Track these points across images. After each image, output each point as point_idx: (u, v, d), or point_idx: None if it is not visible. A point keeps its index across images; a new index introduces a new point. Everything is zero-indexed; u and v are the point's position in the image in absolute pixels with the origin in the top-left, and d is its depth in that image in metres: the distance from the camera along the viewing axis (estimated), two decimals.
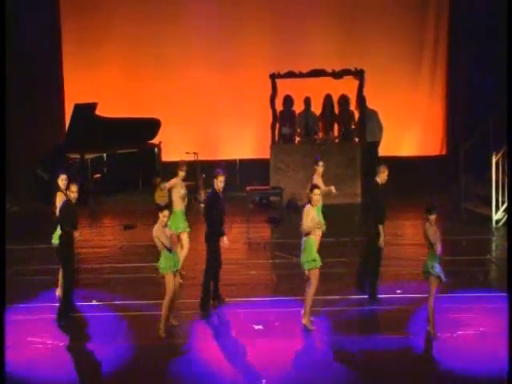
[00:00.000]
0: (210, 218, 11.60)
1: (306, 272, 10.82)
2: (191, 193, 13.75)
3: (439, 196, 15.03)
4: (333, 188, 12.47)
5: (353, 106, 18.10)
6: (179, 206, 12.67)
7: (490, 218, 15.80)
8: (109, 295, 12.32)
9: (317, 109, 18.29)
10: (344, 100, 18.12)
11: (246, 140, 19.48)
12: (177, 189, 12.71)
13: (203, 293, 11.65)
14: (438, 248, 10.42)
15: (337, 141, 18.21)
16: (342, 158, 17.44)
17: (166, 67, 19.45)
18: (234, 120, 19.47)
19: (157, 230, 10.67)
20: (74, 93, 19.16)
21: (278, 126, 18.04)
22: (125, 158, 18.38)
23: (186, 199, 12.78)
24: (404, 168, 17.59)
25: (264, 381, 9.42)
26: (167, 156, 18.35)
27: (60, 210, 11.41)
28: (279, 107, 18.09)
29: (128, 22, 19.42)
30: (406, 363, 9.95)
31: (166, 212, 10.73)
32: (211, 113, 19.41)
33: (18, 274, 13.34)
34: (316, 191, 10.99)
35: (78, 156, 17.65)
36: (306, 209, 10.91)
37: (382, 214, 11.75)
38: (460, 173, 16.84)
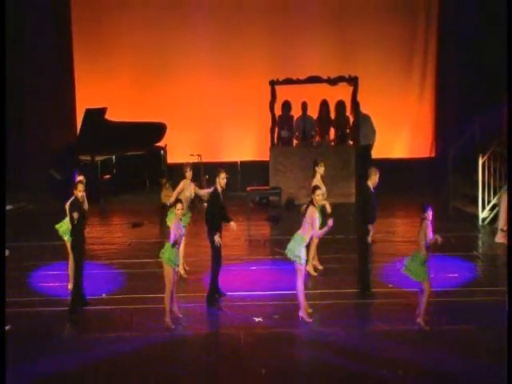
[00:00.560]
0: (211, 214, 11.65)
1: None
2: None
3: (429, 196, 15.02)
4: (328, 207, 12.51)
5: (348, 111, 18.10)
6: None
7: (477, 216, 15.83)
8: (118, 289, 12.35)
9: (313, 113, 18.30)
10: (340, 105, 18.14)
11: (246, 143, 19.51)
12: (183, 191, 12.80)
13: (211, 287, 11.67)
14: (422, 252, 10.46)
15: (332, 144, 18.23)
16: (338, 159, 17.45)
17: (172, 75, 19.45)
18: (236, 124, 19.50)
19: (172, 222, 10.83)
20: (85, 98, 19.17)
21: (277, 129, 18.05)
22: (133, 159, 18.40)
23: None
24: (396, 169, 17.60)
25: (264, 370, 9.44)
26: (172, 158, 18.37)
27: (69, 207, 11.48)
28: (278, 112, 18.10)
29: (137, 32, 19.43)
30: (399, 353, 9.97)
31: (179, 205, 10.83)
32: (214, 117, 19.43)
33: (33, 269, 13.34)
34: (317, 192, 11.07)
35: (88, 158, 17.67)
36: (310, 212, 10.90)
37: (372, 214, 11.81)
38: (448, 174, 16.86)
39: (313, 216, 10.86)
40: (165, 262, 10.69)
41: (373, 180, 11.80)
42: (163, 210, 14.14)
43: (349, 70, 17.81)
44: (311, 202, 10.97)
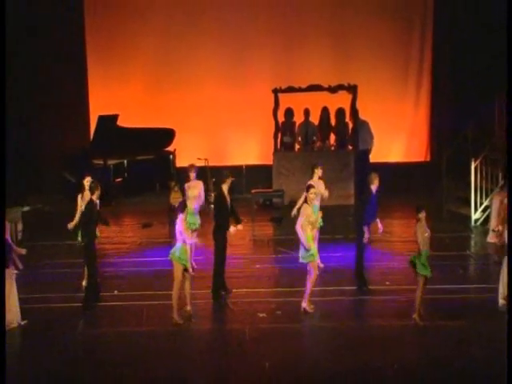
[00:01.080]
0: (217, 215, 11.74)
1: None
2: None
3: (424, 198, 15.00)
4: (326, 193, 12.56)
5: (347, 118, 18.11)
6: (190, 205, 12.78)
7: (470, 217, 15.82)
8: (129, 286, 12.37)
9: (315, 120, 18.31)
10: (340, 112, 18.15)
11: (251, 147, 19.52)
12: (189, 190, 12.84)
13: (214, 284, 11.69)
14: (421, 248, 10.48)
15: (332, 148, 18.22)
16: (338, 163, 17.44)
17: (181, 83, 19.49)
18: (241, 130, 19.51)
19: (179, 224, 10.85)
20: (99, 105, 19.20)
21: (280, 135, 18.05)
22: (143, 163, 18.42)
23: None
24: (392, 173, 17.57)
25: (267, 363, 9.44)
26: (181, 162, 18.36)
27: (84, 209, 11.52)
28: (281, 118, 18.10)
29: (148, 42, 19.49)
30: (395, 347, 9.98)
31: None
32: (220, 123, 19.46)
33: (48, 267, 13.36)
34: (312, 190, 11.06)
35: (101, 162, 17.69)
36: (302, 207, 10.97)
37: (371, 216, 11.84)
38: (443, 177, 16.85)
39: (305, 213, 10.87)
40: (175, 260, 10.70)
41: (375, 184, 11.86)
42: (172, 211, 14.16)
43: (348, 78, 17.83)
44: (305, 201, 10.98)
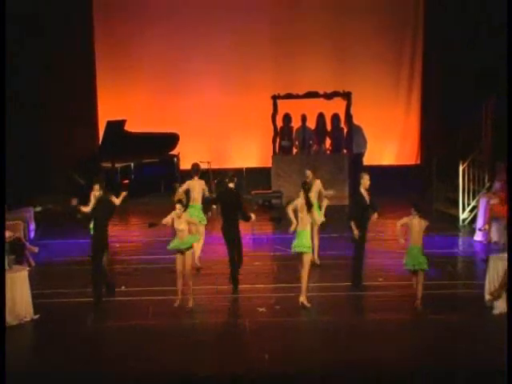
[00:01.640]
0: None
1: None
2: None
3: (415, 199, 14.98)
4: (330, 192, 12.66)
5: (342, 123, 18.11)
6: (196, 201, 12.95)
7: (458, 217, 15.83)
8: (136, 282, 12.38)
9: (311, 125, 18.31)
10: (335, 118, 18.16)
11: (251, 151, 19.51)
12: (191, 189, 13.02)
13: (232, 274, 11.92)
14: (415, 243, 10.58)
15: (328, 152, 18.23)
16: (333, 166, 17.45)
17: (185, 90, 19.48)
18: (241, 134, 19.51)
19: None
20: (107, 110, 19.21)
21: (278, 139, 18.06)
22: (149, 166, 18.42)
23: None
24: (385, 175, 17.55)
25: (266, 355, 9.45)
26: (185, 165, 18.35)
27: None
28: (280, 123, 18.11)
29: (154, 52, 19.47)
30: (389, 339, 9.99)
31: (178, 205, 11.22)
32: (222, 128, 19.45)
33: (60, 264, 13.37)
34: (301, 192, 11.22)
35: (109, 164, 17.69)
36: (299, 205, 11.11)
37: (361, 215, 11.84)
38: (432, 179, 16.87)
39: (296, 200, 11.10)
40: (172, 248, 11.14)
41: (364, 184, 11.84)
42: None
43: (343, 85, 17.85)
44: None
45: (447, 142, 16.96)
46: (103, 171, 17.10)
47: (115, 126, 18.03)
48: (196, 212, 12.86)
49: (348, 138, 17.92)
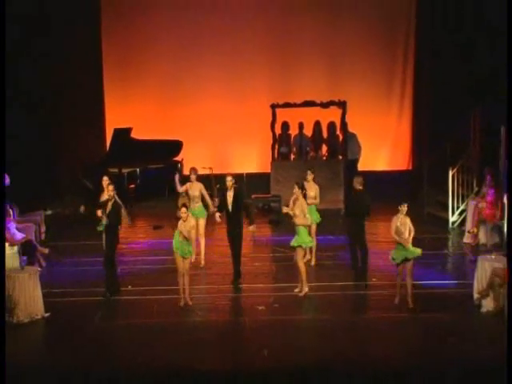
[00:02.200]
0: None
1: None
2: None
3: (406, 203, 15.03)
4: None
5: (337, 130, 18.11)
6: (192, 205, 13.16)
7: (448, 220, 15.83)
8: (141, 282, 12.38)
9: (308, 132, 18.32)
10: (331, 126, 18.16)
11: (251, 157, 19.52)
12: (190, 189, 13.31)
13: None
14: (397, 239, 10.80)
15: (324, 158, 18.23)
16: (329, 171, 17.41)
17: (189, 99, 19.49)
18: (242, 141, 19.52)
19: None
20: (114, 118, 19.23)
21: (277, 146, 18.04)
22: (154, 171, 18.41)
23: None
24: (378, 180, 17.53)
25: (266, 351, 9.45)
26: (188, 170, 18.32)
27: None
28: (278, 131, 18.09)
29: (159, 63, 19.49)
30: (381, 337, 10.00)
31: (183, 209, 11.25)
32: (224, 135, 19.47)
33: (69, 264, 13.38)
34: (295, 188, 11.59)
35: (116, 170, 17.67)
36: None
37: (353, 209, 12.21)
38: (423, 183, 16.88)
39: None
40: (174, 250, 11.20)
41: (356, 185, 12.14)
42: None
43: (338, 95, 17.83)
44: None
45: (437, 149, 16.94)
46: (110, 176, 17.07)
47: (122, 134, 18.05)
48: (196, 210, 13.05)
49: (343, 145, 17.91)
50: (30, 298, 10.65)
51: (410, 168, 20.00)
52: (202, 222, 13.24)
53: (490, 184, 13.98)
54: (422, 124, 19.63)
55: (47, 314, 10.85)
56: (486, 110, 15.48)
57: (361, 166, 18.28)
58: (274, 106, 17.77)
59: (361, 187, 12.21)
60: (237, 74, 19.52)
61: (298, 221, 11.35)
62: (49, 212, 16.41)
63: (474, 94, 16.86)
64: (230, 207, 12.10)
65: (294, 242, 11.40)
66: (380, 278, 12.22)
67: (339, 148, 18.09)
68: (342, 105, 17.64)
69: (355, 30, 19.54)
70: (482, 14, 17.15)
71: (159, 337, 10.07)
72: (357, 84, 19.41)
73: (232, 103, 19.50)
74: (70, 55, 18.51)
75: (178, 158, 19.02)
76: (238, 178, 15.23)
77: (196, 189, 13.34)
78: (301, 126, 18.19)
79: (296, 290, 11.53)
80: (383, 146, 19.90)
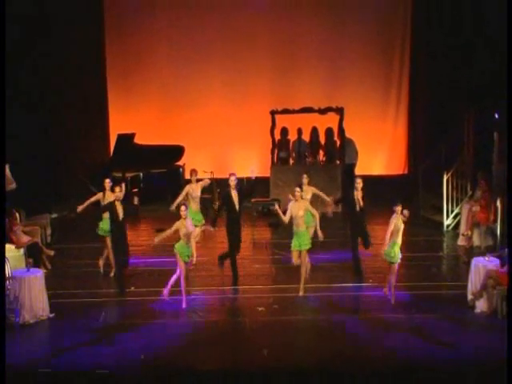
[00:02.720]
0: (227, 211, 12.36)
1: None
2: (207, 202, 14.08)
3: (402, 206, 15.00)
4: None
5: (335, 136, 18.12)
6: (192, 205, 13.38)
7: (442, 223, 15.82)
8: (144, 283, 12.37)
9: (307, 138, 18.32)
10: (329, 131, 18.17)
11: (251, 162, 19.49)
12: (191, 190, 13.50)
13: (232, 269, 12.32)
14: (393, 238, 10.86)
15: (322, 163, 18.23)
16: (327, 176, 17.40)
17: (190, 105, 19.52)
18: (242, 146, 19.53)
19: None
20: (118, 124, 19.23)
21: (276, 151, 18.06)
22: (157, 176, 18.40)
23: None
24: (375, 184, 17.49)
25: (266, 351, 9.44)
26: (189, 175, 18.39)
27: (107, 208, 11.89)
28: (277, 136, 18.10)
29: (161, 70, 19.53)
30: (381, 335, 10.00)
31: (182, 207, 11.38)
32: (224, 140, 19.49)
33: (74, 266, 13.37)
34: (297, 189, 11.67)
35: (120, 174, 17.67)
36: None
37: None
38: (419, 187, 16.87)
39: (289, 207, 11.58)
40: (178, 255, 11.22)
41: (356, 187, 12.32)
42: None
43: (336, 101, 17.85)
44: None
45: (432, 154, 16.95)
46: (114, 181, 17.07)
47: (125, 139, 18.05)
48: (194, 215, 13.07)
49: (341, 150, 17.91)
50: (35, 299, 10.64)
51: (406, 172, 20.01)
52: (199, 230, 13.32)
53: (484, 188, 14.00)
54: (418, 129, 19.65)
55: (52, 315, 10.84)
56: (480, 115, 15.47)
57: (358, 171, 18.26)
58: (273, 112, 17.78)
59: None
60: (237, 81, 19.55)
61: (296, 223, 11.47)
62: (54, 215, 16.39)
63: (469, 100, 16.85)
64: (237, 206, 12.19)
65: (294, 246, 11.50)
66: (377, 280, 12.21)
67: (336, 153, 18.10)
68: (339, 111, 17.66)
69: (352, 38, 19.59)
70: (478, 19, 17.13)
71: (160, 337, 10.05)
72: (354, 91, 19.45)
73: (232, 109, 19.53)
74: (70, 55, 18.49)
75: (179, 163, 19.03)
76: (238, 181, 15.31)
77: (196, 189, 13.54)
78: (299, 131, 18.20)
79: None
80: (379, 150, 19.92)
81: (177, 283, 11.28)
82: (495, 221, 13.35)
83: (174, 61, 19.59)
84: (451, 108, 17.78)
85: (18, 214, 13.27)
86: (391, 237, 10.97)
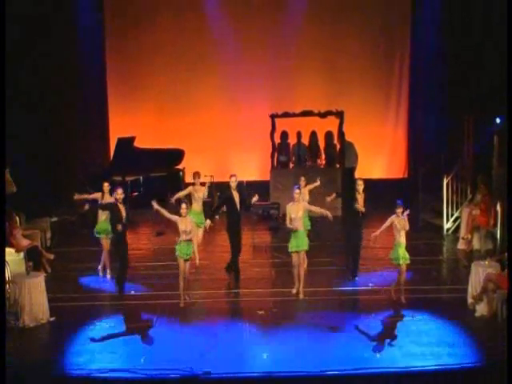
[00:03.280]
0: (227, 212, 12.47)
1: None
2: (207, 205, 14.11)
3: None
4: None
5: (335, 139, 18.15)
6: (195, 206, 13.67)
7: (442, 226, 15.83)
8: (144, 287, 12.38)
9: (306, 141, 18.35)
10: (328, 135, 18.20)
11: (251, 165, 19.53)
12: (194, 192, 13.77)
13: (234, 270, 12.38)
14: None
15: (322, 166, 18.25)
16: (326, 179, 17.36)
17: (190, 109, 19.54)
18: (242, 150, 19.54)
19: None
20: (118, 128, 19.25)
21: (276, 154, 18.09)
22: (157, 179, 18.39)
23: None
24: (375, 188, 17.47)
25: (265, 355, 9.44)
26: (190, 178, 18.26)
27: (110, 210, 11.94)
28: (277, 140, 18.15)
29: (161, 75, 19.54)
30: (381, 337, 10.00)
31: (183, 205, 11.49)
32: (224, 144, 19.51)
33: (75, 270, 13.37)
34: (296, 190, 11.71)
35: (120, 178, 17.68)
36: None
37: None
38: (419, 191, 16.89)
39: (287, 210, 11.62)
40: (177, 253, 11.37)
41: (358, 189, 12.44)
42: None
43: (336, 105, 17.88)
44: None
45: (432, 157, 16.97)
46: (115, 184, 17.09)
47: (125, 143, 18.05)
48: (196, 216, 13.15)
49: (340, 154, 17.94)
50: (35, 302, 10.65)
51: (406, 176, 20.02)
52: (201, 232, 13.46)
53: (484, 192, 14.02)
54: (418, 133, 19.67)
55: (52, 319, 10.84)
56: (479, 118, 15.50)
57: (358, 174, 18.22)
58: (273, 116, 17.82)
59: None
60: (237, 85, 19.57)
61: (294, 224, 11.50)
62: (54, 219, 16.40)
63: (469, 104, 16.88)
64: (238, 206, 12.27)
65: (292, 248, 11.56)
66: (376, 283, 12.22)
67: (336, 156, 18.12)
68: (339, 114, 17.69)
69: (352, 42, 19.60)
70: (479, 22, 17.14)
71: (160, 340, 10.05)
72: (354, 95, 19.46)
73: (232, 113, 19.55)
74: (70, 55, 18.51)
75: (179, 167, 19.03)
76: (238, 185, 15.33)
77: (199, 191, 13.80)
78: (299, 135, 18.23)
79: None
80: (380, 154, 19.93)
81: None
82: (495, 225, 13.35)
83: (174, 64, 19.60)
84: (451, 112, 17.80)
85: (17, 218, 13.28)
86: (394, 239, 11.09)
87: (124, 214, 11.80)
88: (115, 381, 9.00)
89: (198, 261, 11.45)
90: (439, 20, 18.61)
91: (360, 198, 12.31)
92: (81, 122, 18.90)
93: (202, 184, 14.04)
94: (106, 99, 19.57)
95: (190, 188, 13.86)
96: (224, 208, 12.72)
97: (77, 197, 12.79)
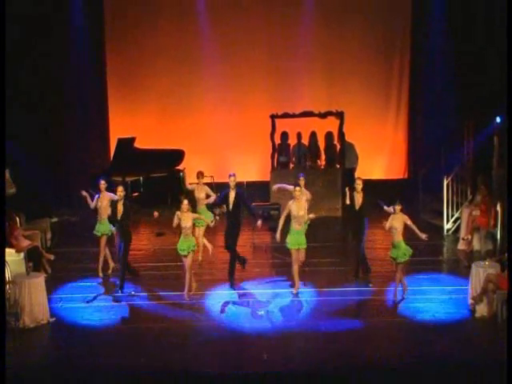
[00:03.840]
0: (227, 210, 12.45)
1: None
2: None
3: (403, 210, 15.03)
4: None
5: (335, 140, 18.15)
6: (199, 205, 13.74)
7: (442, 227, 15.83)
8: (144, 287, 12.38)
9: (306, 142, 18.35)
10: (329, 135, 18.19)
11: (251, 166, 19.51)
12: (197, 191, 13.91)
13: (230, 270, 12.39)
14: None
15: (322, 167, 18.25)
16: (326, 180, 17.43)
17: (190, 109, 19.53)
18: (242, 150, 19.53)
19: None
20: (118, 129, 19.24)
21: (276, 155, 18.08)
22: (157, 180, 18.37)
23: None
24: (375, 188, 17.46)
25: (266, 355, 9.45)
26: (190, 179, 18.29)
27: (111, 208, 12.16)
28: (277, 141, 18.13)
29: (161, 75, 19.50)
30: (382, 339, 10.01)
31: (185, 201, 11.72)
32: (224, 145, 19.49)
33: (74, 270, 13.38)
34: (297, 188, 11.75)
35: (120, 178, 17.66)
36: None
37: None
38: (419, 192, 16.88)
39: (288, 207, 11.73)
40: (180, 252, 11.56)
41: (357, 188, 12.55)
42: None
43: (336, 105, 17.88)
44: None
45: (432, 158, 16.96)
46: (115, 184, 17.11)
47: (125, 143, 18.04)
48: (204, 213, 13.24)
49: (340, 154, 17.93)
50: (35, 303, 10.66)
51: (406, 176, 20.01)
52: (203, 229, 13.50)
53: (484, 192, 14.02)
54: (418, 134, 19.66)
55: (52, 319, 10.85)
56: (479, 119, 15.51)
57: (358, 175, 18.23)
58: (273, 117, 17.81)
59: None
60: (237, 86, 19.56)
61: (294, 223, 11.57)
62: (55, 219, 16.41)
63: (469, 105, 16.88)
64: (230, 206, 12.22)
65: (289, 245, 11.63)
66: (377, 284, 12.22)
67: (336, 157, 18.12)
68: (339, 115, 17.68)
69: (352, 42, 19.58)
70: (479, 28, 17.16)
71: (159, 340, 10.06)
72: (354, 95, 19.44)
73: (233, 114, 19.54)
74: (70, 55, 18.50)
75: (180, 167, 19.03)
76: (238, 186, 15.34)
77: (202, 191, 13.88)
78: (299, 135, 18.22)
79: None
80: (380, 155, 19.92)
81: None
82: (495, 225, 13.36)
83: (175, 66, 19.58)
84: (451, 113, 17.79)
85: (18, 218, 13.29)
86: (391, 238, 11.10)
87: (121, 212, 11.85)
88: (115, 379, 9.02)
89: (211, 250, 11.50)
90: (440, 24, 18.59)
91: (359, 196, 12.35)
92: (81, 122, 18.89)
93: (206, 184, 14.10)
94: (106, 100, 19.56)
95: (194, 185, 14.05)
96: (224, 208, 12.72)
97: (84, 192, 13.00)
